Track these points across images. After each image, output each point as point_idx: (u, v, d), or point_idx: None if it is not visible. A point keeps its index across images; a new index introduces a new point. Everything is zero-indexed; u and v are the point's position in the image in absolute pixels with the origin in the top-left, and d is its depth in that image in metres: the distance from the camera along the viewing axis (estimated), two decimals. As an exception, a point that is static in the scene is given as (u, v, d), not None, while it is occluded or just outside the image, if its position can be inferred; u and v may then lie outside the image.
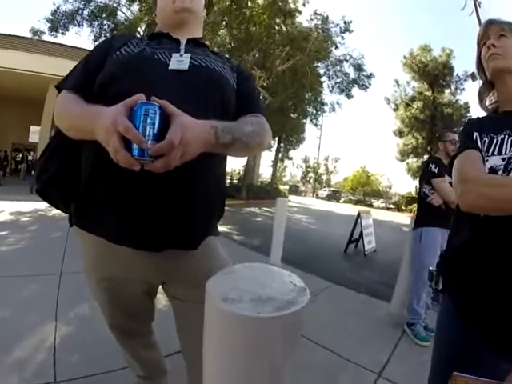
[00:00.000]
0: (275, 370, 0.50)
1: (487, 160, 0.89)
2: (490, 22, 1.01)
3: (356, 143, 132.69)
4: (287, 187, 39.30)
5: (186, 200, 0.86)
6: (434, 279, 1.00)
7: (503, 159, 0.86)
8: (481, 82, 1.09)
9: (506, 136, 0.89)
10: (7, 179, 14.74)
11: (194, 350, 0.83)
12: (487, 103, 1.07)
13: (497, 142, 0.91)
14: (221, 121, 0.83)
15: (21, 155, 18.83)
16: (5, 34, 13.73)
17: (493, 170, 0.87)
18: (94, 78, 0.92)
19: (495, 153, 0.89)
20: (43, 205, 8.39)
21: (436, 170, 2.62)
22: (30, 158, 17.40)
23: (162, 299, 1.21)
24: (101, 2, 11.67)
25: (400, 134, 24.98)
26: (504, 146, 0.88)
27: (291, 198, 26.00)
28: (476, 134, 0.95)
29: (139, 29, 12.01)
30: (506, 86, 0.96)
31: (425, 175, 2.73)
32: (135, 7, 12.38)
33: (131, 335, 1.21)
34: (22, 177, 15.90)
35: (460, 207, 0.90)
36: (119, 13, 12.19)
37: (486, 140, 0.93)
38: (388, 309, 3.27)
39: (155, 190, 0.81)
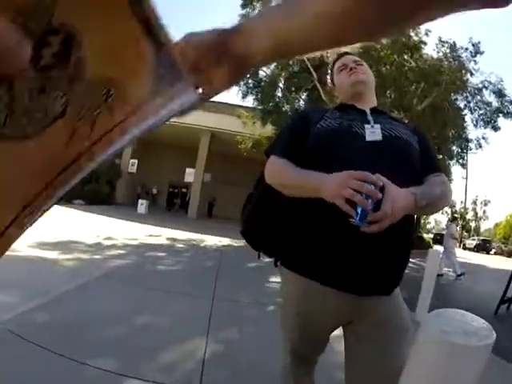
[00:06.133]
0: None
1: None
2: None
3: (508, 183, 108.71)
4: (431, 236, 34.42)
5: (391, 253, 0.99)
6: None
7: None
8: None
9: None
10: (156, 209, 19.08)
11: None
12: None
13: None
14: (417, 186, 0.97)
15: (176, 191, 24.41)
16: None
17: None
18: (299, 147, 1.07)
19: None
20: (196, 235, 9.48)
21: None
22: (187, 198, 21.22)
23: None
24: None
25: None
26: None
27: (435, 248, 22.54)
28: None
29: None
30: None
31: None
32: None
33: (302, 361, 1.26)
34: (177, 209, 22.38)
35: None
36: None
37: None
38: None
39: (365, 244, 0.94)
